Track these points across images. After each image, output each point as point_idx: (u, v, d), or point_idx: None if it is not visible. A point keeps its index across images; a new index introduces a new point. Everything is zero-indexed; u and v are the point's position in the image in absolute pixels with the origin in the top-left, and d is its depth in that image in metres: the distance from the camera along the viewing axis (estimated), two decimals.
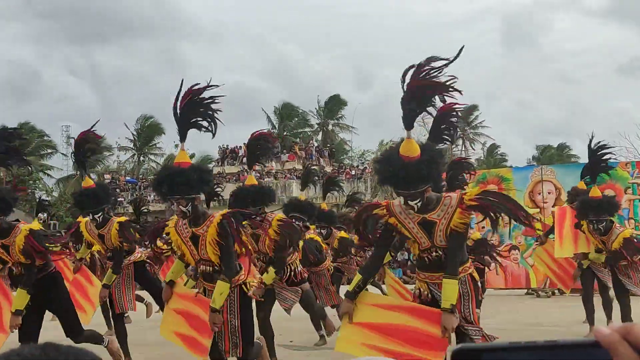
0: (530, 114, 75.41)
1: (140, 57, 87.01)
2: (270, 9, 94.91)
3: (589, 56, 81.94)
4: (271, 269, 6.49)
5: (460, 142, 47.95)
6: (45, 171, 48.31)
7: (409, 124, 4.20)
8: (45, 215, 34.33)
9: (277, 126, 50.34)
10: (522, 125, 76.10)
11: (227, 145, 41.66)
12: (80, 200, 6.99)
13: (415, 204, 4.16)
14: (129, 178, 43.04)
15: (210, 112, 4.79)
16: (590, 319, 8.44)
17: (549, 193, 14.73)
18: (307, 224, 8.31)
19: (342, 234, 9.75)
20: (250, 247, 4.96)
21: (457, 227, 4.16)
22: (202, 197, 5.12)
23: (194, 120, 4.80)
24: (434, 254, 4.33)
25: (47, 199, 21.19)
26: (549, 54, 77.71)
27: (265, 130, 7.87)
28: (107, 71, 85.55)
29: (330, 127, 52.46)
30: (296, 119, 51.08)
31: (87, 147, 6.79)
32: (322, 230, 9.31)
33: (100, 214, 6.82)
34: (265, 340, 5.97)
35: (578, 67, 78.95)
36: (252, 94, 77.25)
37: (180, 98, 4.69)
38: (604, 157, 8.03)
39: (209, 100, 4.77)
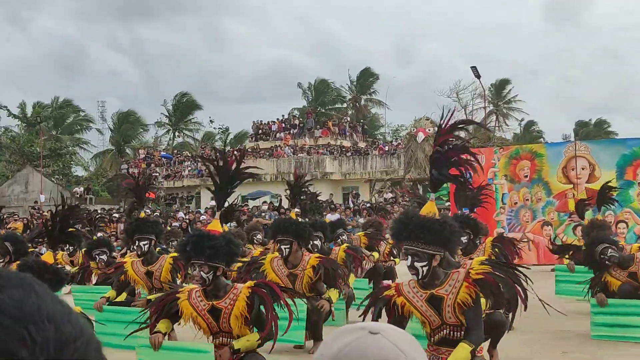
0: (574, 90, 74.20)
1: (183, 33, 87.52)
2: None
3: (637, 31, 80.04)
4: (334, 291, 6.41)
5: (494, 117, 47.34)
6: (81, 145, 49.17)
7: (435, 187, 4.67)
8: (82, 189, 35.02)
9: (310, 102, 50.39)
10: (565, 102, 74.91)
11: (261, 121, 41.76)
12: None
13: (422, 267, 4.08)
14: (164, 153, 43.46)
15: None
16: None
17: (582, 169, 14.53)
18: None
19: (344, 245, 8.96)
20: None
21: (465, 301, 4.09)
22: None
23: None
24: (445, 331, 4.23)
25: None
26: (594, 29, 76.09)
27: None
28: (150, 47, 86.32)
29: (362, 102, 52.23)
30: (332, 95, 51.00)
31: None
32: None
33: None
34: None
35: (625, 42, 77.30)
36: (293, 70, 77.27)
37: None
38: None
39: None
